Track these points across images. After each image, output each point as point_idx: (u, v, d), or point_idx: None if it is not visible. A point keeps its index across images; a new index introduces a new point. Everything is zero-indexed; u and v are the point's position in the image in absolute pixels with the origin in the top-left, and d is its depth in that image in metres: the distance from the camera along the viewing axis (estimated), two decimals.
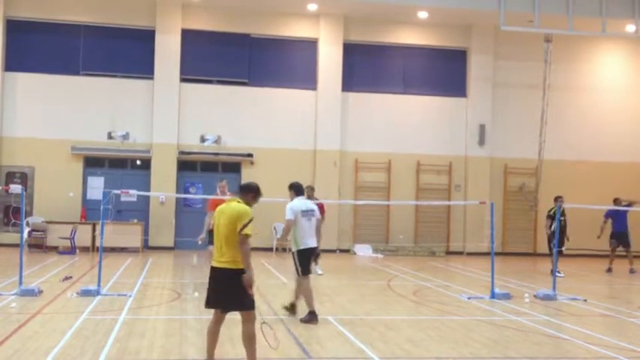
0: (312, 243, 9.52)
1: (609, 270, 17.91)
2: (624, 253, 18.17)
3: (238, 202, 6.63)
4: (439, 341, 8.34)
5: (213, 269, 6.56)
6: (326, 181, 21.68)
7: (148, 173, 21.13)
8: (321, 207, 15.29)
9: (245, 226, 6.34)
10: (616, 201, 17.98)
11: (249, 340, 6.52)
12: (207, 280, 6.69)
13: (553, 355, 7.95)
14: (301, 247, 9.48)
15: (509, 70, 23.18)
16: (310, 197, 15.19)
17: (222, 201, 12.25)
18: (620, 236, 18.08)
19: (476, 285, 13.97)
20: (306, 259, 9.50)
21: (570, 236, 17.07)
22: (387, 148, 22.47)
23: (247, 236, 6.35)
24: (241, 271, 6.37)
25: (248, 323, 6.51)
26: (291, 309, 9.69)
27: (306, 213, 9.53)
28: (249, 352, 6.54)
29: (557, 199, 16.20)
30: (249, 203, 6.66)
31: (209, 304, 6.66)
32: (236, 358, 7.30)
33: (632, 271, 17.72)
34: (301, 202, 9.68)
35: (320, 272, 14.88)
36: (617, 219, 17.93)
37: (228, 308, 6.60)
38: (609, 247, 18.22)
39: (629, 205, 17.92)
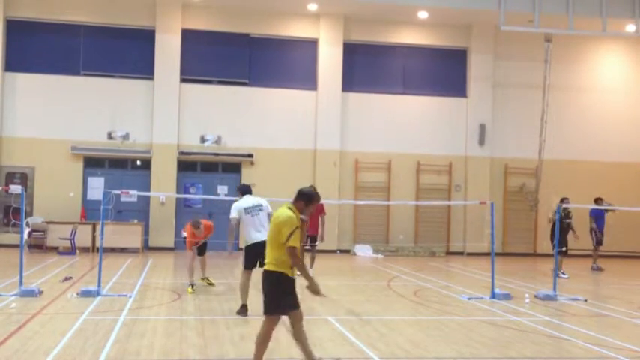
0: (257, 237, 9.76)
1: (599, 268, 18.23)
2: (590, 252, 18.69)
3: (289, 207, 6.52)
4: (439, 341, 8.34)
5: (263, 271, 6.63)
6: (326, 181, 21.67)
7: (148, 174, 21.13)
8: (321, 207, 15.29)
9: (289, 237, 6.26)
10: (597, 201, 18.12)
11: (260, 339, 6.52)
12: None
13: (553, 355, 7.95)
14: (248, 243, 9.89)
15: (509, 70, 23.18)
16: None
17: (196, 237, 12.24)
18: (602, 235, 18.49)
19: (476, 285, 13.96)
20: (251, 254, 9.77)
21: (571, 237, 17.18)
22: (387, 148, 22.47)
23: (294, 248, 6.26)
24: (278, 274, 6.37)
25: (264, 324, 6.52)
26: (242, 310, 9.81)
27: (250, 210, 9.98)
28: (256, 351, 6.54)
29: (563, 200, 16.21)
30: (301, 211, 6.54)
31: None
32: (236, 358, 7.30)
33: (595, 268, 18.28)
34: (245, 200, 10.14)
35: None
36: (601, 218, 18.36)
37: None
38: (595, 246, 18.42)
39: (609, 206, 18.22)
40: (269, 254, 6.48)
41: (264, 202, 10.20)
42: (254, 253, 9.70)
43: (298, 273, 6.48)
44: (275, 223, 6.43)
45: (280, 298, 6.40)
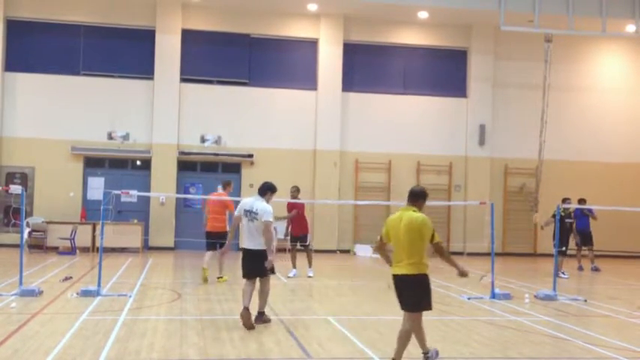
0: (245, 245, 9.15)
1: (580, 268, 18.16)
2: (586, 252, 18.60)
3: (414, 210, 6.79)
4: (439, 341, 8.33)
5: (395, 276, 6.88)
6: (326, 181, 21.68)
7: (148, 174, 21.13)
8: (301, 206, 15.12)
9: (434, 235, 6.72)
10: (581, 201, 18.07)
11: (406, 337, 6.90)
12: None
13: (553, 355, 7.95)
14: (241, 247, 9.42)
15: (509, 70, 23.17)
16: (294, 197, 15.11)
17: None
18: (583, 235, 18.32)
19: (476, 285, 13.94)
20: (244, 259, 9.18)
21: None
22: (387, 148, 22.46)
23: (441, 242, 6.83)
24: (420, 277, 6.87)
25: (411, 322, 6.89)
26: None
27: (247, 213, 9.09)
28: (400, 347, 6.86)
29: (565, 200, 16.17)
30: (422, 209, 6.87)
31: (401, 306, 7.02)
32: (236, 358, 7.30)
33: (594, 269, 18.12)
34: (248, 200, 9.31)
35: (310, 274, 14.83)
36: (581, 218, 18.24)
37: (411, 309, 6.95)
38: (575, 246, 18.40)
39: (590, 210, 18.15)
40: (404, 259, 6.76)
41: (262, 209, 9.03)
42: (245, 259, 9.18)
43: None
44: (412, 227, 6.68)
45: (429, 295, 6.94)
